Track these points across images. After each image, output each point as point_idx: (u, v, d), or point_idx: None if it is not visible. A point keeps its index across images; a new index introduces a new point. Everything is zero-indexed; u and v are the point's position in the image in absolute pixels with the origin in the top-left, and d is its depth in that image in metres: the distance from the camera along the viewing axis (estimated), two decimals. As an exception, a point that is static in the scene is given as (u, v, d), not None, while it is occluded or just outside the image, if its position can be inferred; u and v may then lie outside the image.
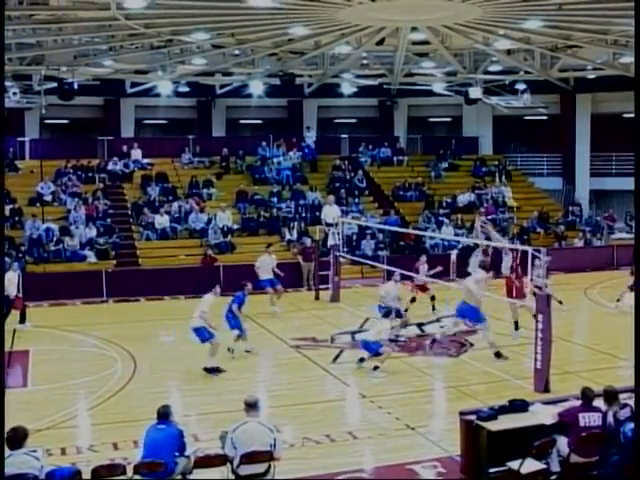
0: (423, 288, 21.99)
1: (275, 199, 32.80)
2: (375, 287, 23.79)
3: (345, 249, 25.90)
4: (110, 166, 33.41)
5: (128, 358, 17.56)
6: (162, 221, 29.79)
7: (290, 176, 34.60)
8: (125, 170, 33.54)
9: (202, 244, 29.34)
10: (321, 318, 22.23)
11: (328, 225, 27.99)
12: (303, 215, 32.00)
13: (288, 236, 30.11)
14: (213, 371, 16.19)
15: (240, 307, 18.15)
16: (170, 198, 31.94)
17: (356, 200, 33.53)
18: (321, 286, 25.21)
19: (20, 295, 21.20)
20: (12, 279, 20.73)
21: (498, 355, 16.75)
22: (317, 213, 31.32)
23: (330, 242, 26.17)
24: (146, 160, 34.35)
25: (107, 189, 32.16)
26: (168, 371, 16.43)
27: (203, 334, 16.43)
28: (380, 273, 27.06)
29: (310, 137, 36.79)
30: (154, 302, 23.07)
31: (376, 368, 16.02)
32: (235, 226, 30.60)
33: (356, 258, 26.15)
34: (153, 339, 19.88)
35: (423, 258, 22.61)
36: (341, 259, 25.37)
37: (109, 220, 29.96)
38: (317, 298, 25.14)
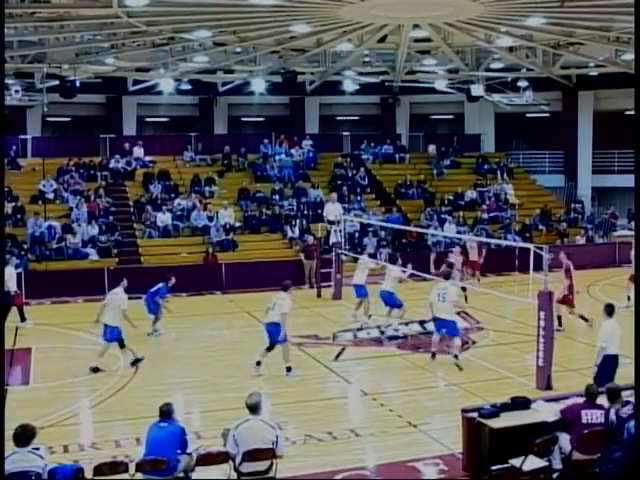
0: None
1: (277, 197, 32.79)
2: (377, 285, 23.69)
3: (347, 247, 25.89)
4: (112, 164, 33.42)
5: (130, 356, 17.57)
6: (164, 219, 29.78)
7: (292, 174, 34.61)
8: (127, 168, 33.53)
9: (204, 242, 29.32)
10: (323, 316, 22.25)
11: (330, 223, 27.99)
12: (305, 213, 31.99)
13: (290, 234, 30.10)
14: (96, 370, 16.18)
15: (162, 297, 19.87)
16: (172, 196, 31.94)
17: (358, 198, 33.52)
18: (323, 284, 25.22)
19: (19, 292, 21.22)
20: (11, 273, 20.72)
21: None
22: (319, 211, 31.36)
23: (332, 240, 26.19)
24: (148, 158, 34.36)
25: (109, 187, 32.17)
26: (170, 369, 16.42)
27: (113, 334, 16.53)
28: (382, 271, 27.02)
29: (307, 144, 36.66)
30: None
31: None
32: (237, 224, 30.60)
33: (358, 256, 26.08)
34: (155, 337, 19.88)
35: (457, 249, 22.74)
36: (343, 257, 25.36)
37: (111, 218, 29.97)
38: (319, 296, 25.15)
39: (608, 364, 12.52)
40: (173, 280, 20.31)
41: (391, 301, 20.05)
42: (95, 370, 16.20)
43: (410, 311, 21.54)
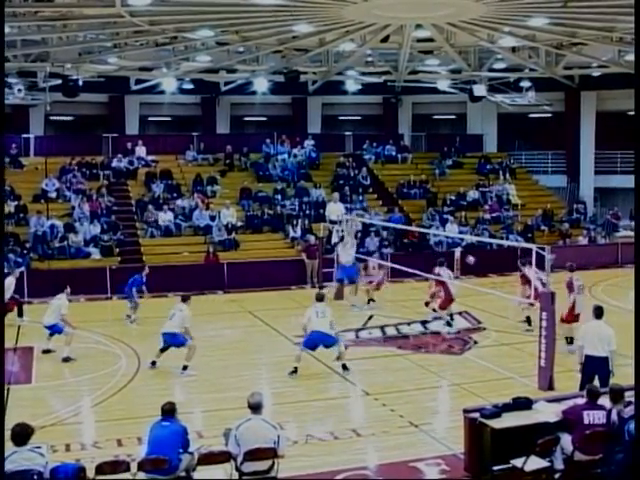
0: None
1: (279, 196, 32.79)
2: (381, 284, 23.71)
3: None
4: (114, 163, 33.43)
5: (132, 355, 17.60)
6: (166, 218, 29.80)
7: (294, 173, 34.60)
8: (129, 167, 33.55)
9: (206, 241, 29.32)
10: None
11: (332, 222, 27.98)
12: (307, 212, 31.98)
13: (292, 233, 30.08)
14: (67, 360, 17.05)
15: (138, 288, 21.44)
16: (174, 195, 31.96)
17: (360, 197, 33.53)
18: (325, 283, 25.20)
19: (16, 296, 21.24)
20: (10, 284, 20.76)
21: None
22: (321, 210, 31.34)
23: (334, 240, 26.16)
24: (150, 157, 34.35)
25: (111, 186, 32.17)
26: (172, 368, 16.42)
27: (58, 328, 17.41)
28: (384, 270, 27.04)
29: (310, 144, 36.63)
30: (158, 299, 23.05)
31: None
32: (239, 223, 30.60)
33: (360, 255, 26.06)
34: (157, 336, 19.84)
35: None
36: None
37: (113, 217, 29.99)
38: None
39: (586, 364, 12.80)
40: (147, 270, 22.12)
41: None
42: (67, 360, 16.98)
43: (411, 311, 21.59)
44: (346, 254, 24.14)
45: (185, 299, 16.75)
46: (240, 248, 29.41)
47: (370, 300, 23.30)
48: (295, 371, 15.92)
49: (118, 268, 26.26)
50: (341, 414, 13.75)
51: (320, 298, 16.58)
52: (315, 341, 16.10)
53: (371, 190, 35.06)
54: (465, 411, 10.85)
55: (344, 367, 16.02)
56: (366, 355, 17.74)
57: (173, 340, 16.28)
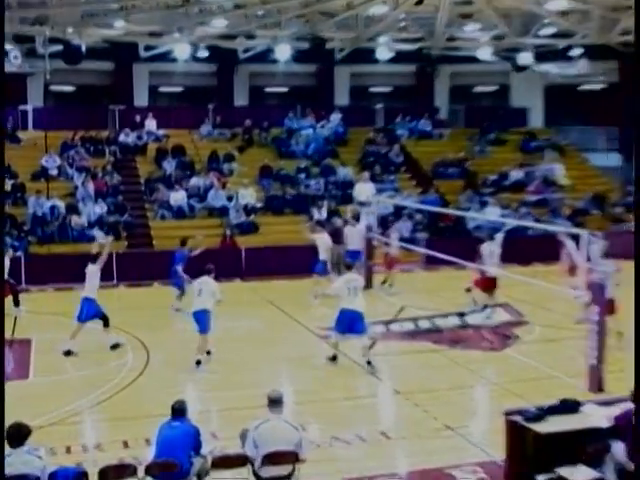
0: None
1: (303, 175, 32.78)
2: (412, 273, 23.77)
3: (379, 230, 25.81)
4: (122, 138, 33.54)
5: (140, 348, 17.68)
6: (178, 198, 29.86)
7: (319, 150, 34.55)
8: (138, 142, 33.65)
9: (222, 224, 29.37)
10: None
11: (361, 204, 27.90)
12: (333, 193, 31.96)
13: (317, 216, 30.02)
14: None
15: (182, 265, 21.14)
16: (187, 173, 32.02)
17: (392, 177, 33.44)
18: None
19: (11, 280, 21.23)
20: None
21: None
22: (349, 191, 31.25)
23: (363, 223, 26.09)
24: (161, 131, 34.43)
25: (118, 163, 32.30)
26: (184, 363, 16.47)
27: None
28: (418, 257, 26.98)
29: (336, 118, 36.55)
30: (169, 287, 23.11)
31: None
32: (259, 204, 30.63)
33: (391, 241, 26.02)
34: (168, 327, 19.97)
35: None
36: (374, 242, 25.30)
37: (120, 197, 30.12)
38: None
39: None
40: (195, 242, 21.99)
41: None
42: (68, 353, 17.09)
43: (448, 302, 21.51)
44: (358, 237, 24.55)
45: (209, 271, 16.83)
46: (259, 232, 29.45)
47: (385, 282, 24.07)
48: (335, 358, 16.22)
49: (125, 253, 26.37)
50: (369, 415, 13.75)
51: (349, 265, 16.68)
52: (346, 323, 16.20)
53: (404, 169, 35.00)
54: (506, 413, 10.79)
55: (368, 363, 16.02)
56: (397, 350, 17.77)
57: (203, 320, 16.32)
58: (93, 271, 17.63)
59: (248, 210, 29.90)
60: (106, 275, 22.37)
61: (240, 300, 22.93)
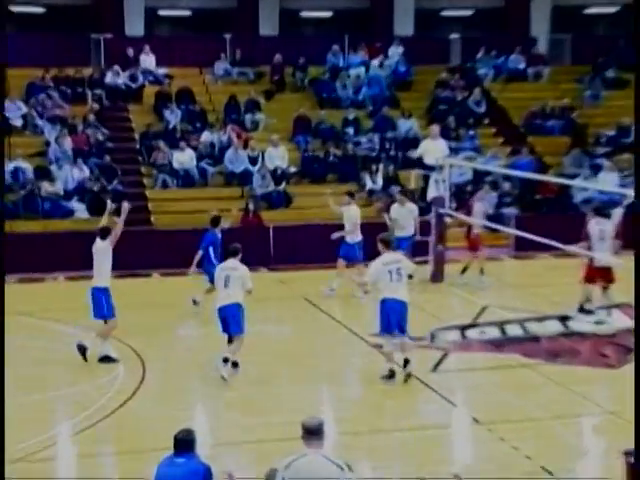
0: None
1: (351, 130, 32.80)
2: (497, 261, 23.68)
3: (453, 204, 25.78)
4: (109, 78, 33.69)
5: (133, 359, 17.77)
6: (185, 160, 29.99)
7: (374, 96, 34.51)
8: (131, 85, 33.82)
9: (243, 194, 29.45)
10: (416, 305, 22.11)
11: (428, 169, 27.85)
12: (392, 154, 31.95)
13: (369, 184, 30.04)
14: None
15: (215, 250, 21.21)
16: (197, 127, 32.13)
17: (471, 132, 33.37)
18: (417, 258, 25.16)
19: None
20: None
21: None
22: (413, 151, 31.14)
23: (431, 194, 26.07)
24: (162, 70, 34.62)
25: (104, 112, 32.50)
26: (190, 379, 16.56)
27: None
28: (506, 240, 26.90)
29: (397, 53, 36.46)
30: (172, 278, 23.28)
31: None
32: (292, 169, 30.67)
33: (470, 218, 25.98)
34: (169, 333, 20.06)
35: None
36: (447, 219, 25.26)
37: (107, 158, 30.22)
38: (410, 276, 25.11)
39: None
40: (225, 224, 22.08)
41: None
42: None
43: (546, 301, 21.41)
44: (408, 220, 24.40)
45: (235, 252, 17.01)
46: (293, 205, 29.56)
47: (465, 270, 24.29)
48: (392, 375, 16.21)
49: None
50: (438, 451, 13.76)
51: (387, 241, 16.48)
52: (391, 317, 16.22)
53: (487, 121, 34.98)
54: (625, 453, 10.74)
55: (408, 376, 16.17)
56: (476, 365, 17.76)
57: (235, 318, 16.48)
58: (103, 250, 17.77)
59: (278, 176, 29.95)
60: (87, 262, 22.65)
61: (266, 296, 22.95)
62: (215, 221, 21.94)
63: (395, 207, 24.80)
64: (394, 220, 24.37)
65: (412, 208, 24.59)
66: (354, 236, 23.41)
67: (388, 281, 16.22)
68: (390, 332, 16.29)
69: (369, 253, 21.97)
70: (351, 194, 25.12)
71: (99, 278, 17.73)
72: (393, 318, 16.18)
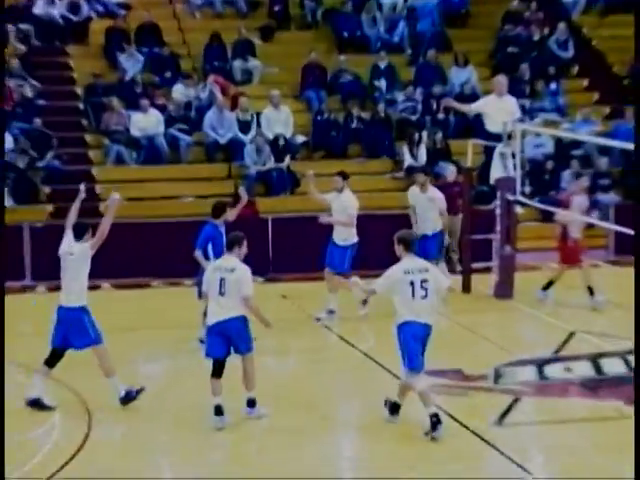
0: None
1: (383, 83, 32.81)
2: (593, 268, 23.75)
3: (528, 188, 25.82)
4: (39, 9, 33.78)
5: (74, 404, 17.78)
6: (148, 125, 30.04)
7: (416, 35, 34.56)
8: (72, 18, 33.87)
9: (231, 174, 29.51)
10: (475, 330, 22.28)
11: (492, 138, 27.87)
12: (440, 117, 31.97)
13: (409, 160, 30.10)
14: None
15: (215, 248, 21.15)
16: (166, 78, 32.18)
17: (552, 86, 33.35)
18: (476, 265, 25.21)
19: None
20: None
21: None
22: (467, 106, 31.10)
23: (496, 173, 26.08)
24: (116, -2, 34.74)
25: (34, 57, 32.57)
26: (159, 436, 16.60)
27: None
28: (603, 239, 26.97)
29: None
30: (131, 291, 23.40)
31: None
32: (300, 138, 30.69)
33: (551, 208, 25.98)
34: (128, 367, 20.10)
35: None
36: (519, 208, 25.30)
37: (38, 121, 30.34)
38: (467, 289, 25.17)
39: None
40: (229, 213, 22.19)
41: None
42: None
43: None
44: (431, 209, 24.70)
45: (235, 242, 17.43)
46: (300, 190, 29.57)
47: (549, 286, 24.18)
48: (395, 409, 16.52)
49: (48, 226, 26.50)
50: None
51: (409, 242, 16.30)
52: (417, 342, 16.14)
53: (576, 71, 34.95)
54: None
55: (435, 423, 16.01)
56: (559, 415, 17.74)
57: (239, 334, 16.84)
58: (80, 255, 17.61)
59: (280, 148, 29.96)
60: (11, 269, 22.77)
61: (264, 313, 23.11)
62: (218, 210, 21.87)
63: (414, 190, 25.08)
64: (412, 208, 24.78)
65: (435, 196, 24.73)
66: (348, 235, 23.51)
67: (409, 297, 15.99)
68: (418, 369, 16.27)
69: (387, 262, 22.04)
70: (344, 175, 24.76)
71: (73, 294, 17.55)
72: (418, 348, 16.14)
